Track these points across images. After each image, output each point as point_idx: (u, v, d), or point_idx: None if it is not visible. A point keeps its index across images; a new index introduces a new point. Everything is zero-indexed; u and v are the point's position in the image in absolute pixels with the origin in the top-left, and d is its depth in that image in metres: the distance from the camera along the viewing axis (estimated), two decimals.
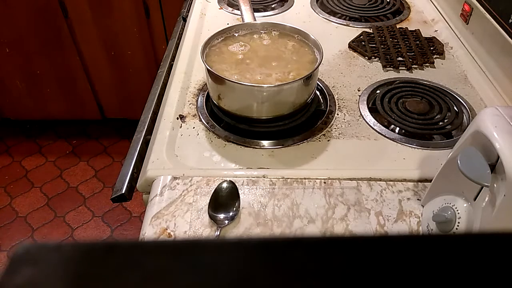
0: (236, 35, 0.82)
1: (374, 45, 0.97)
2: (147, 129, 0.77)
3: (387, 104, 0.79)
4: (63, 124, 2.06)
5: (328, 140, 0.72)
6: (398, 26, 1.06)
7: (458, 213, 0.52)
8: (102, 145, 2.00)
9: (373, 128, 0.75)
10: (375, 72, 0.90)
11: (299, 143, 0.71)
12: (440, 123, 0.76)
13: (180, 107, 0.79)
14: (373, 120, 0.76)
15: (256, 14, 0.98)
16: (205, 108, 0.79)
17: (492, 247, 0.17)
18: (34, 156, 1.95)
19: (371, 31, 1.03)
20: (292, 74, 0.73)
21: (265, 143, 0.71)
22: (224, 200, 0.60)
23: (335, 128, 0.75)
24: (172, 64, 0.94)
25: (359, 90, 0.84)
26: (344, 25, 1.08)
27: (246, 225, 0.59)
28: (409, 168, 0.67)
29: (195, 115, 0.78)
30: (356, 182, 0.64)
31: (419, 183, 0.64)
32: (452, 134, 0.75)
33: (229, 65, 0.75)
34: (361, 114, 0.78)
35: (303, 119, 0.75)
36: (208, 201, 0.61)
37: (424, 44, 0.97)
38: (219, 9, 1.14)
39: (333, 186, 0.63)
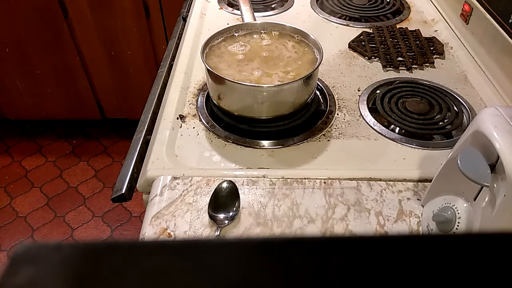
0: (236, 35, 0.82)
1: (374, 45, 0.97)
2: (147, 129, 0.77)
3: (387, 104, 0.79)
4: (63, 124, 2.06)
5: (328, 140, 0.72)
6: (398, 26, 1.06)
7: (458, 213, 0.52)
8: (102, 145, 2.00)
9: (373, 128, 0.75)
10: (375, 72, 0.90)
11: (299, 143, 0.71)
12: (440, 123, 0.76)
13: (180, 107, 0.79)
14: (373, 120, 0.76)
15: (256, 14, 0.97)
16: (205, 108, 0.79)
17: (492, 247, 0.17)
18: (34, 156, 1.95)
19: (371, 31, 1.03)
20: (292, 74, 0.72)
21: (265, 143, 0.71)
22: (224, 200, 0.60)
23: (335, 128, 0.75)
24: (172, 64, 0.94)
25: (359, 90, 0.84)
26: (344, 25, 1.08)
27: (246, 225, 0.59)
28: (409, 168, 0.67)
29: (195, 115, 0.78)
30: (356, 182, 0.64)
31: (419, 183, 0.64)
32: (452, 134, 0.75)
33: (229, 65, 0.75)
34: (361, 114, 0.78)
35: (303, 119, 0.75)
36: (208, 201, 0.61)
37: (424, 44, 0.97)
38: (219, 9, 1.14)
39: (333, 186, 0.63)
